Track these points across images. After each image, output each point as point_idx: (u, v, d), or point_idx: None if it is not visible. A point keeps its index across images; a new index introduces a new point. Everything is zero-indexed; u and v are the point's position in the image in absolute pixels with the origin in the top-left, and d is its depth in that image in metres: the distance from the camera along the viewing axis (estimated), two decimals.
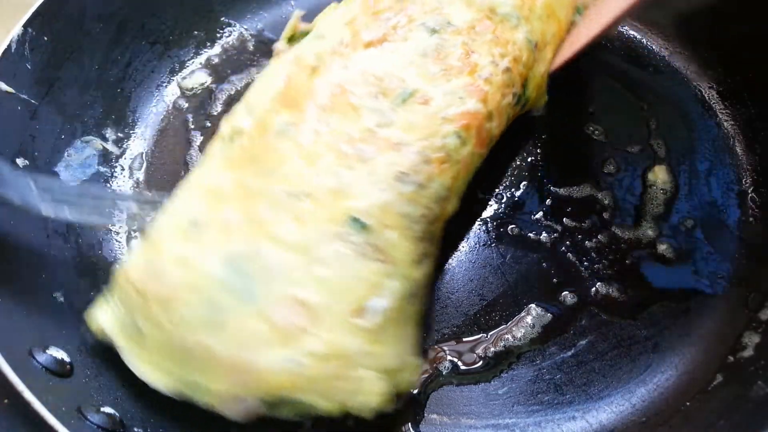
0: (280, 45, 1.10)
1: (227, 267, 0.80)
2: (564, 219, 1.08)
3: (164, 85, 1.26)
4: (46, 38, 1.10)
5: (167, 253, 0.82)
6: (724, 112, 1.20)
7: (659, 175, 1.12)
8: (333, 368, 0.77)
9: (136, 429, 0.85)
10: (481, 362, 0.96)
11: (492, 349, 0.97)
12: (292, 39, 1.10)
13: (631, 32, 1.30)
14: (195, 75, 1.28)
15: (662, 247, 1.05)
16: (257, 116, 0.90)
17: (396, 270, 0.83)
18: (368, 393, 0.78)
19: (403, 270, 0.84)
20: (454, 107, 0.91)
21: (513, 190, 1.11)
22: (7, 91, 1.04)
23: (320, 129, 0.88)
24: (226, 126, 0.93)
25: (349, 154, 0.86)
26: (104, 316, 0.85)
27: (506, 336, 0.98)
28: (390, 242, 0.83)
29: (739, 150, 1.15)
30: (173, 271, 0.80)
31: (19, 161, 1.03)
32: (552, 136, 1.17)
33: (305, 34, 1.08)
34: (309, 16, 1.32)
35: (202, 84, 1.27)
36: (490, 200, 1.11)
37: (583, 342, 0.97)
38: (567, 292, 1.01)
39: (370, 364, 0.79)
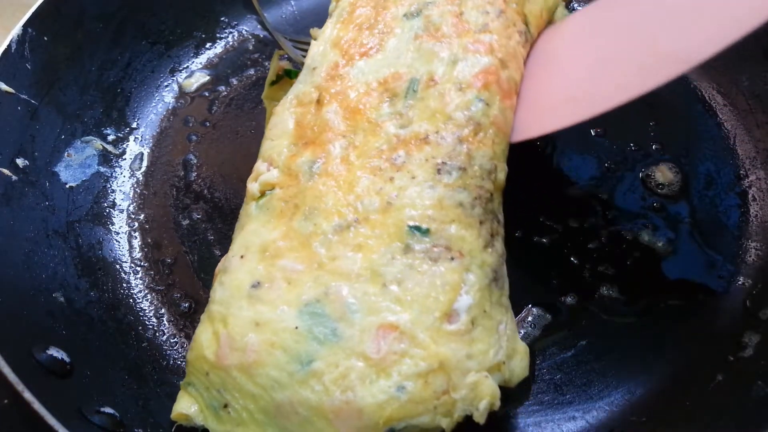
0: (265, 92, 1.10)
1: (303, 316, 0.78)
2: (565, 219, 1.08)
3: (164, 85, 1.26)
4: (46, 38, 1.10)
5: (236, 321, 0.79)
6: (724, 112, 1.20)
7: (659, 175, 1.12)
8: (442, 382, 0.75)
9: (136, 429, 0.85)
10: None
11: None
12: (275, 82, 1.09)
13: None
14: (195, 75, 1.28)
15: (662, 247, 1.05)
16: (281, 165, 0.88)
17: (471, 261, 0.81)
18: (484, 395, 0.76)
19: (476, 259, 0.81)
20: (463, 72, 0.88)
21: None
22: (7, 91, 1.04)
23: (347, 155, 0.86)
24: (253, 185, 0.89)
25: (383, 167, 0.84)
26: (186, 405, 0.81)
27: None
28: (455, 236, 0.81)
29: (739, 150, 1.15)
30: (248, 336, 0.78)
31: (19, 161, 1.03)
32: (552, 136, 1.17)
33: (290, 72, 1.08)
34: (308, 17, 1.33)
35: (202, 84, 1.27)
36: None
37: (583, 342, 0.97)
38: (567, 293, 1.01)
39: (474, 366, 0.77)
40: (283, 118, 0.93)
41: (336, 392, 0.75)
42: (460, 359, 0.76)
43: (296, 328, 0.77)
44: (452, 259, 0.80)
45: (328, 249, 0.81)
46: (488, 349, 0.78)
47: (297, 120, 0.91)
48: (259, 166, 0.91)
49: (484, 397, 0.76)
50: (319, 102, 0.91)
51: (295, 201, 0.85)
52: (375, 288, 0.78)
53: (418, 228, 0.81)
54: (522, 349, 0.83)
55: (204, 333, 0.82)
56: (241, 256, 0.84)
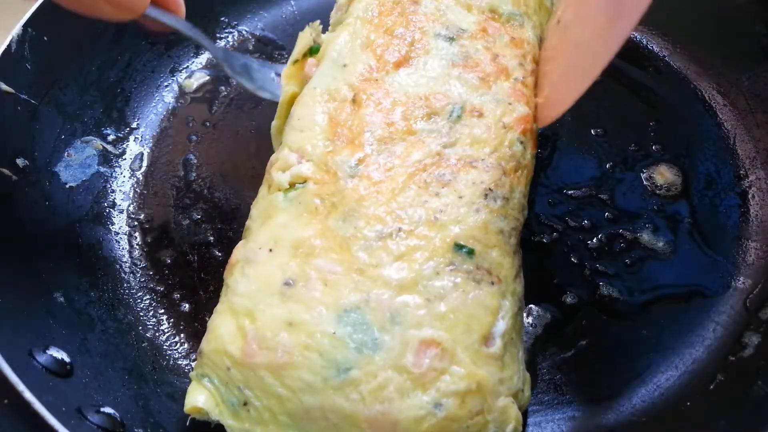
0: (286, 70, 1.09)
1: (342, 320, 0.77)
2: (565, 219, 1.08)
3: (164, 85, 1.26)
4: (46, 38, 1.10)
5: (266, 318, 0.78)
6: (724, 112, 1.20)
7: (659, 175, 1.12)
8: (477, 403, 0.76)
9: (136, 429, 0.85)
10: None
11: None
12: (298, 61, 1.08)
13: (631, 32, 1.30)
14: (195, 75, 1.28)
15: (662, 247, 1.05)
16: (316, 159, 0.88)
17: (506, 288, 0.82)
18: (511, 420, 0.77)
19: (510, 287, 0.83)
20: (508, 115, 0.91)
21: None
22: (7, 91, 1.04)
23: (389, 161, 0.86)
24: (281, 175, 0.88)
25: (428, 181, 0.85)
26: (201, 398, 0.79)
27: None
28: (495, 262, 0.82)
29: (739, 150, 1.15)
30: (280, 335, 0.77)
31: (19, 161, 1.03)
32: (552, 137, 1.17)
33: (312, 49, 1.06)
34: (308, 17, 1.33)
35: (202, 84, 1.27)
36: None
37: (583, 342, 0.97)
38: (567, 292, 1.01)
39: (504, 390, 0.78)
40: (312, 111, 0.91)
41: (373, 403, 0.74)
42: (495, 382, 0.77)
43: (334, 333, 0.76)
44: (492, 283, 0.81)
45: (370, 255, 0.80)
46: (513, 375, 0.80)
47: (330, 115, 0.91)
48: (288, 156, 0.89)
49: (511, 421, 0.77)
50: (355, 102, 0.91)
51: (332, 200, 0.84)
52: (418, 301, 0.78)
53: (464, 247, 0.81)
54: (528, 378, 0.85)
55: (225, 325, 0.80)
56: (270, 249, 0.83)
